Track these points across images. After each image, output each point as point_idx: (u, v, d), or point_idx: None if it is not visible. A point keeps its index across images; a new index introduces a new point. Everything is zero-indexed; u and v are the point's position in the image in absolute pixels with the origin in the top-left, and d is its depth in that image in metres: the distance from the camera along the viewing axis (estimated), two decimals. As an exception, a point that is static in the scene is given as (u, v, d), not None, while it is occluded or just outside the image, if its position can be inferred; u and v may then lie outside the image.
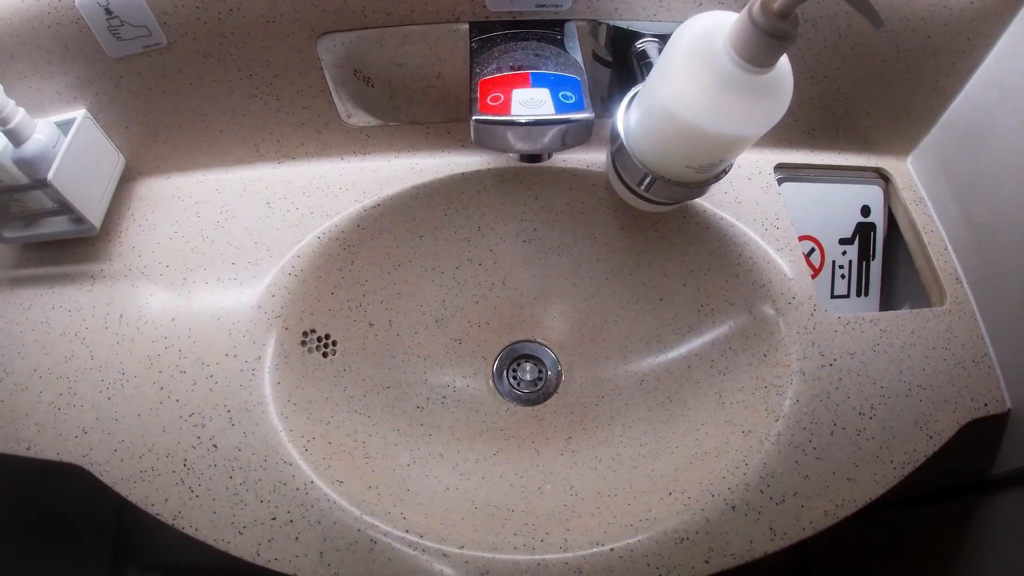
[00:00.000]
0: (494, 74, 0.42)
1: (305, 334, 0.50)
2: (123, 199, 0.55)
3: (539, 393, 0.54)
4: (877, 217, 0.58)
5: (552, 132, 0.40)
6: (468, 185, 0.54)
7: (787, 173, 0.57)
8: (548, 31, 0.46)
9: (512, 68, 0.43)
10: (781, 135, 0.56)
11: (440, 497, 0.46)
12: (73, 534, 0.69)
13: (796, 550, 0.42)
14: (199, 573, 0.65)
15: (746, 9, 0.33)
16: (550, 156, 0.44)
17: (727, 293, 0.51)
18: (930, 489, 0.58)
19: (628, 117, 0.44)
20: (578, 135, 0.41)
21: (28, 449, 0.47)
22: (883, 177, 0.58)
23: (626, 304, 0.55)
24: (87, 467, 0.45)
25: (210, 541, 0.43)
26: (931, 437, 0.46)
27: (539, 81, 0.42)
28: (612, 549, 0.41)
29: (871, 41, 0.50)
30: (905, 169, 0.58)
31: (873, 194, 0.58)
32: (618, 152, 0.44)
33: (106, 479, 0.45)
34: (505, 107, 0.40)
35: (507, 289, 0.57)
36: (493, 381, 0.55)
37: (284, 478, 0.43)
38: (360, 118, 0.52)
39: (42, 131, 0.49)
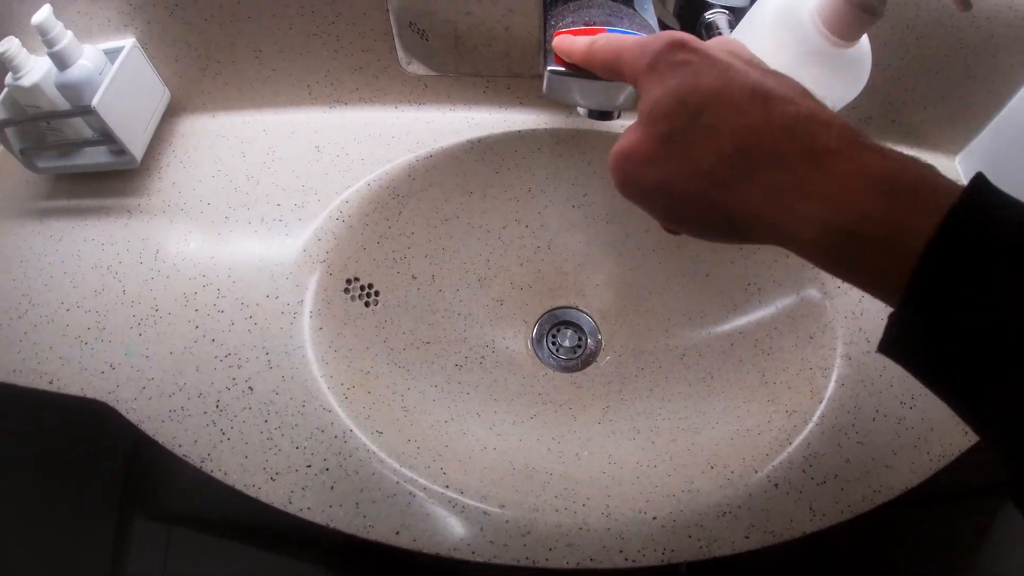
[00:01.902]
0: (569, 27, 0.41)
1: (349, 281, 0.49)
2: (165, 135, 0.54)
3: (578, 360, 0.53)
4: (922, 213, 0.57)
5: (627, 90, 0.40)
6: (523, 144, 0.53)
7: (838, 161, 0.56)
8: (621, -9, 0.45)
9: (586, 23, 0.42)
10: (836, 122, 0.56)
11: (478, 456, 0.45)
12: (80, 481, 0.68)
13: (811, 545, 0.41)
14: (207, 525, 0.64)
15: (837, -19, 0.33)
16: (619, 115, 0.44)
17: (775, 273, 0.51)
18: (955, 490, 0.58)
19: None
20: (651, 95, 0.40)
21: (51, 383, 0.45)
22: (930, 173, 0.58)
23: (672, 277, 0.54)
24: (112, 403, 0.44)
25: (239, 486, 0.41)
26: (967, 432, 0.46)
27: (615, 38, 0.41)
28: (655, 518, 0.40)
29: (936, 34, 0.50)
30: (953, 167, 0.58)
31: (919, 189, 0.58)
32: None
33: (132, 417, 0.43)
34: (580, 60, 0.39)
35: (552, 253, 0.56)
36: (532, 345, 0.54)
37: (322, 425, 0.42)
38: (419, 67, 0.50)
39: (89, 57, 0.48)
